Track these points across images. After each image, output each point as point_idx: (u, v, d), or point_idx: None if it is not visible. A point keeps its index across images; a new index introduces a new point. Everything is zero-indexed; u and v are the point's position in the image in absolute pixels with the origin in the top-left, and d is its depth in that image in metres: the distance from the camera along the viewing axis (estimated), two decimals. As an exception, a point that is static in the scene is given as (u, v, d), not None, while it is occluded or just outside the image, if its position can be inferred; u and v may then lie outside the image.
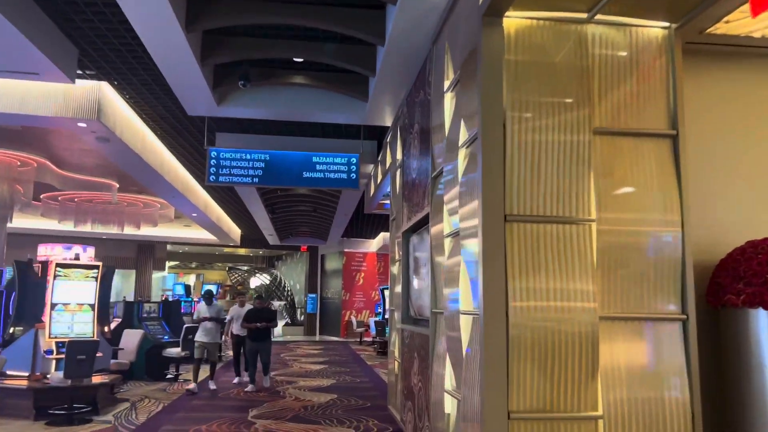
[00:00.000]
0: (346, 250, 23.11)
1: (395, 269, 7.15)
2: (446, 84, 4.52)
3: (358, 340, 20.14)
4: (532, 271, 3.32)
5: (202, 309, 9.29)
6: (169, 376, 10.19)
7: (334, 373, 11.63)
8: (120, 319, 10.66)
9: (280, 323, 23.34)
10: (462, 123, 3.93)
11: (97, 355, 6.77)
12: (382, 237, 21.26)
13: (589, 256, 3.38)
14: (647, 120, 3.59)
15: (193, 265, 34.17)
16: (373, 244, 23.39)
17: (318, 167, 8.25)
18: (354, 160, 8.35)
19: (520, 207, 3.39)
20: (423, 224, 5.45)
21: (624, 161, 3.54)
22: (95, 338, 7.15)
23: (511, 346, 3.23)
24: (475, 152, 3.62)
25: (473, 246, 3.54)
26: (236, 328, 10.01)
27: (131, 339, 8.69)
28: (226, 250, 27.74)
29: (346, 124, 8.52)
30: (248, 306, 10.11)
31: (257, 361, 9.39)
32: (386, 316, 16.47)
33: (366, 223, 18.79)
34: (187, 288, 17.43)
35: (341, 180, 8.29)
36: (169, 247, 24.97)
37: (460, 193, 3.85)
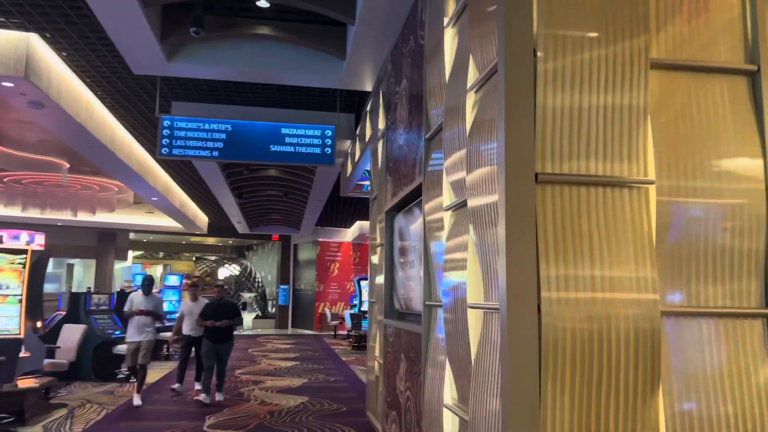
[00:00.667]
0: (320, 239, 22.11)
1: (376, 257, 6.24)
2: (446, 19, 3.59)
3: (333, 333, 19.21)
4: (571, 251, 2.43)
5: (136, 300, 7.46)
6: (120, 375, 9.13)
7: (305, 371, 10.69)
8: (64, 313, 9.54)
9: (250, 316, 22.25)
10: (471, 61, 3.02)
11: (23, 355, 5.71)
12: (359, 226, 20.31)
13: (646, 230, 2.50)
14: (719, 53, 2.72)
15: (160, 255, 32.77)
16: (349, 234, 22.44)
17: (288, 140, 7.25)
18: (329, 132, 7.37)
19: (555, 164, 2.49)
20: (412, 199, 4.53)
21: (689, 105, 2.67)
22: (20, 335, 6.08)
23: (545, 351, 2.35)
24: (490, 95, 2.71)
25: (488, 218, 2.63)
26: (188, 327, 8.07)
27: (71, 335, 7.61)
28: (194, 239, 26.48)
29: (321, 90, 7.53)
30: (203, 300, 8.26)
31: (213, 366, 7.56)
32: (363, 309, 15.56)
33: (341, 211, 17.82)
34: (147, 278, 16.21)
35: (314, 155, 7.30)
36: (132, 235, 23.65)
37: (469, 152, 2.94)
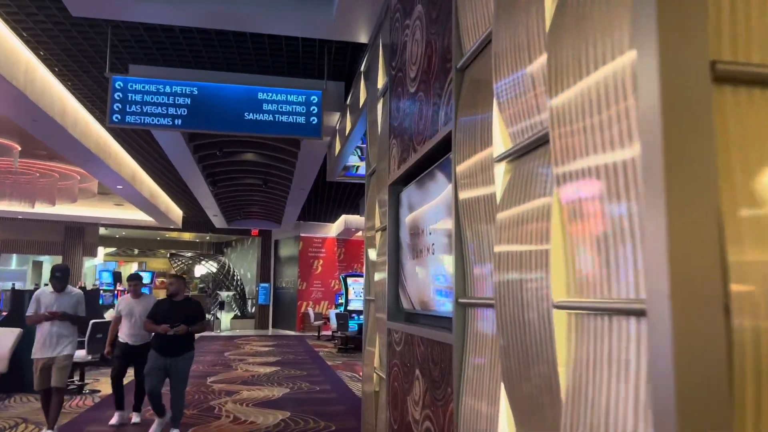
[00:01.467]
0: (302, 234, 20.90)
1: (374, 247, 5.10)
2: None
3: (316, 334, 18.02)
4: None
5: (44, 299, 5.33)
6: (70, 387, 7.88)
7: (287, 378, 9.51)
8: (5, 313, 8.25)
9: (228, 316, 20.95)
10: None
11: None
12: (344, 220, 19.15)
13: None
14: None
15: (135, 252, 31.28)
16: (333, 229, 21.26)
17: (266, 107, 6.07)
18: (315, 98, 6.22)
19: (741, 48, 1.38)
20: (430, 163, 3.39)
21: None
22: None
23: (739, 377, 1.25)
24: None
25: (605, 148, 1.52)
26: (126, 333, 6.04)
27: (3, 341, 6.35)
28: (169, 235, 25.09)
29: (306, 52, 6.36)
30: (149, 297, 6.33)
31: (159, 391, 5.39)
32: (349, 308, 14.41)
33: (326, 203, 16.65)
34: (115, 275, 14.91)
35: (297, 126, 6.14)
36: (102, 230, 22.20)
37: (556, 53, 1.81)
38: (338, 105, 7.16)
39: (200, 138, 9.14)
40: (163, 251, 28.64)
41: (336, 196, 15.41)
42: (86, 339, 7.68)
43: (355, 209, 17.71)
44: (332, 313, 15.44)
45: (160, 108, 5.84)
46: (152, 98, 5.82)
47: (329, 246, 21.40)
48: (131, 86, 5.81)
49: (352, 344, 13.66)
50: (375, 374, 4.75)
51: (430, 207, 3.38)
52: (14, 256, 22.53)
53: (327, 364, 11.44)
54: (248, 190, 13.81)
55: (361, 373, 10.44)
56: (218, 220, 18.33)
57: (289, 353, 13.23)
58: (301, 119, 6.13)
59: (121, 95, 5.77)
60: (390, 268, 4.23)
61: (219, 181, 12.00)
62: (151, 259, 32.86)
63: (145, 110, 5.80)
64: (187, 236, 25.28)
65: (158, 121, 5.84)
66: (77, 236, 20.70)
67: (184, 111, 5.89)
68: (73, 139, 8.41)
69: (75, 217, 18.15)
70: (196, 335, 6.23)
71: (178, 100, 5.87)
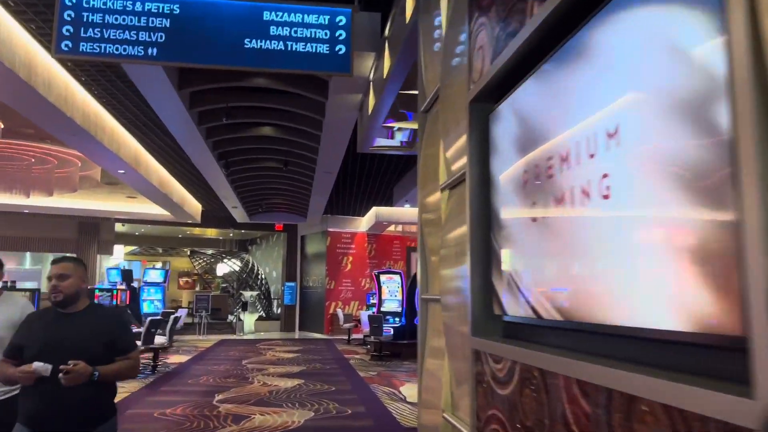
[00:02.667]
0: (330, 229, 19.25)
1: (434, 218, 3.37)
2: None
3: (346, 338, 16.33)
4: None
5: None
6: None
7: (311, 395, 7.81)
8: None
9: (252, 317, 19.42)
10: None
11: None
12: (374, 213, 17.43)
13: None
14: None
15: (159, 251, 30.10)
16: (363, 223, 19.57)
17: (274, 31, 4.37)
18: (342, 19, 4.48)
19: None
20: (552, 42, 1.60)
21: None
22: None
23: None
24: None
25: None
26: None
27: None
28: (191, 232, 23.75)
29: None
30: (12, 301, 3.06)
31: None
32: (383, 309, 12.68)
33: (354, 194, 14.97)
34: (125, 274, 13.47)
35: (318, 57, 4.42)
36: (120, 227, 20.91)
37: None
38: (372, 42, 5.42)
39: (203, 100, 7.51)
40: (185, 249, 27.32)
41: (366, 184, 13.71)
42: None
43: (388, 200, 15.99)
44: (364, 314, 13.74)
45: (128, 33, 4.18)
46: (117, 18, 4.17)
47: (359, 242, 19.71)
48: (87, 3, 4.18)
49: (387, 350, 11.92)
50: (446, 418, 2.98)
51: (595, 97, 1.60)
52: (27, 254, 21.40)
53: (359, 376, 9.73)
54: (267, 175, 12.19)
55: (401, 389, 8.70)
56: (239, 214, 16.81)
57: (316, 361, 11.56)
58: (323, 48, 4.40)
59: (72, 14, 4.14)
60: (475, 248, 2.46)
61: (233, 164, 10.39)
62: (174, 258, 31.66)
63: (107, 35, 4.15)
64: (210, 233, 23.92)
65: (125, 50, 4.19)
66: (92, 233, 19.42)
67: (161, 36, 4.22)
68: (47, 103, 6.85)
69: (87, 212, 16.83)
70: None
71: (153, 22, 4.20)
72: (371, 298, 15.58)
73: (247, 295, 19.40)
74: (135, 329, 9.07)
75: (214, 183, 12.34)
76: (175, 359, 11.51)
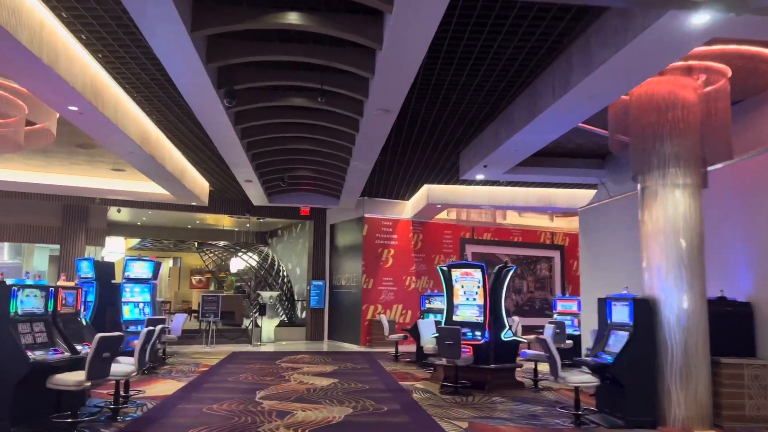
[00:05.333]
0: (366, 215, 15.59)
1: None
2: None
3: (391, 352, 12.62)
4: None
5: None
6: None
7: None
8: None
9: (272, 323, 15.83)
10: None
11: None
12: (426, 192, 13.76)
13: None
14: None
15: (171, 245, 26.71)
16: (408, 207, 15.90)
17: None
18: None
19: None
20: None
21: None
22: None
23: None
24: None
25: None
26: None
27: None
28: (202, 221, 20.26)
29: None
30: None
31: None
32: (456, 317, 8.95)
33: (405, 163, 11.25)
34: (101, 267, 9.96)
35: None
36: (116, 213, 17.50)
37: None
38: None
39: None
40: (195, 243, 23.83)
41: (422, 144, 10.00)
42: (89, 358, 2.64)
43: (447, 172, 12.25)
44: (424, 324, 10.00)
45: None
46: None
47: (402, 230, 16.03)
48: None
49: (464, 379, 8.20)
50: None
51: None
52: (6, 245, 18.11)
53: (435, 423, 6.03)
54: (292, 124, 8.55)
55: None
56: (256, 193, 13.22)
57: (364, 394, 7.87)
58: None
59: None
60: None
61: (238, 81, 6.68)
62: (186, 254, 28.30)
63: None
64: (225, 223, 20.43)
65: None
66: (78, 220, 16.04)
67: None
68: None
69: (60, 188, 13.36)
70: None
71: None
72: (426, 301, 11.86)
73: (266, 295, 15.83)
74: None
75: (220, 141, 8.74)
76: (156, 389, 7.93)
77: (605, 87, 6.02)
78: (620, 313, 6.62)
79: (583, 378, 6.33)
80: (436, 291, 12.08)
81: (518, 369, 8.83)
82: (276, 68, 6.74)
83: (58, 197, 14.67)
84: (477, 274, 8.64)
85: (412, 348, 12.78)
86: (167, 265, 30.32)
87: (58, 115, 8.36)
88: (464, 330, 8.37)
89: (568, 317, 11.98)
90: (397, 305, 15.61)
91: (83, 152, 10.90)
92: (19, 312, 5.51)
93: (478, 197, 13.65)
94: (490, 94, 7.55)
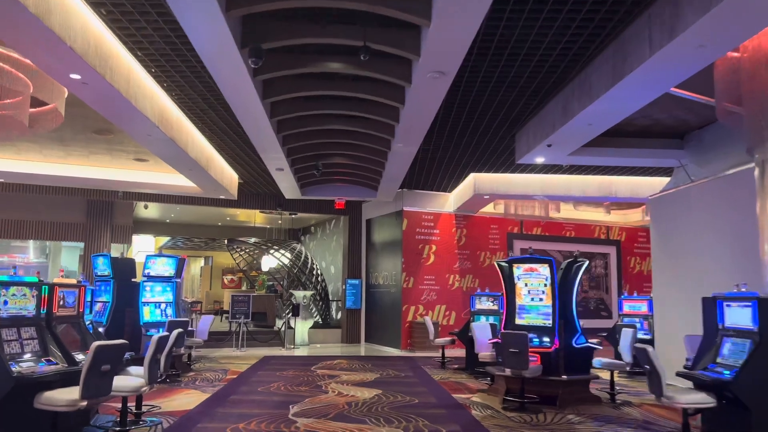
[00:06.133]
0: (406, 209, 14.42)
1: None
2: None
3: (439, 358, 11.42)
4: None
5: None
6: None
7: None
8: None
9: (306, 324, 14.81)
10: None
11: None
12: (472, 182, 12.53)
13: None
14: None
15: (202, 244, 26.03)
16: (451, 200, 14.68)
17: None
18: None
19: None
20: None
21: None
22: None
23: None
24: None
25: None
26: None
27: None
28: (233, 217, 19.40)
29: None
30: None
31: None
32: (520, 321, 7.71)
33: (452, 149, 10.04)
34: (118, 264, 9.04)
35: None
36: (143, 210, 16.75)
37: None
38: None
39: None
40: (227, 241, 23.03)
41: (472, 126, 8.78)
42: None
43: (498, 158, 11.04)
44: (478, 328, 8.78)
45: None
46: None
47: (445, 225, 14.80)
48: None
49: (531, 393, 6.97)
50: None
51: None
52: (30, 242, 17.51)
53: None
54: (325, 93, 7.46)
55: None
56: (288, 184, 12.19)
57: (413, 409, 6.72)
58: None
59: None
60: None
61: (268, 37, 5.62)
62: (218, 253, 27.63)
63: None
64: (257, 219, 19.55)
65: None
66: (104, 216, 15.30)
67: None
68: None
69: (89, 182, 12.57)
70: None
71: None
72: (476, 301, 10.63)
73: (300, 295, 14.81)
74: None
75: (247, 119, 7.70)
76: (175, 402, 6.92)
77: (723, 31, 4.75)
78: (737, 316, 5.31)
79: (695, 397, 5.05)
80: (487, 290, 10.83)
81: (593, 380, 7.55)
82: (310, 21, 5.63)
83: (80, 191, 13.89)
84: (544, 269, 7.39)
85: (459, 353, 11.59)
86: (198, 264, 29.75)
87: (66, 93, 7.46)
88: (530, 335, 7.13)
89: (637, 319, 10.62)
90: (439, 306, 14.40)
91: (101, 139, 10.01)
92: (3, 314, 4.53)
93: (531, 187, 12.35)
94: (563, 54, 6.31)
